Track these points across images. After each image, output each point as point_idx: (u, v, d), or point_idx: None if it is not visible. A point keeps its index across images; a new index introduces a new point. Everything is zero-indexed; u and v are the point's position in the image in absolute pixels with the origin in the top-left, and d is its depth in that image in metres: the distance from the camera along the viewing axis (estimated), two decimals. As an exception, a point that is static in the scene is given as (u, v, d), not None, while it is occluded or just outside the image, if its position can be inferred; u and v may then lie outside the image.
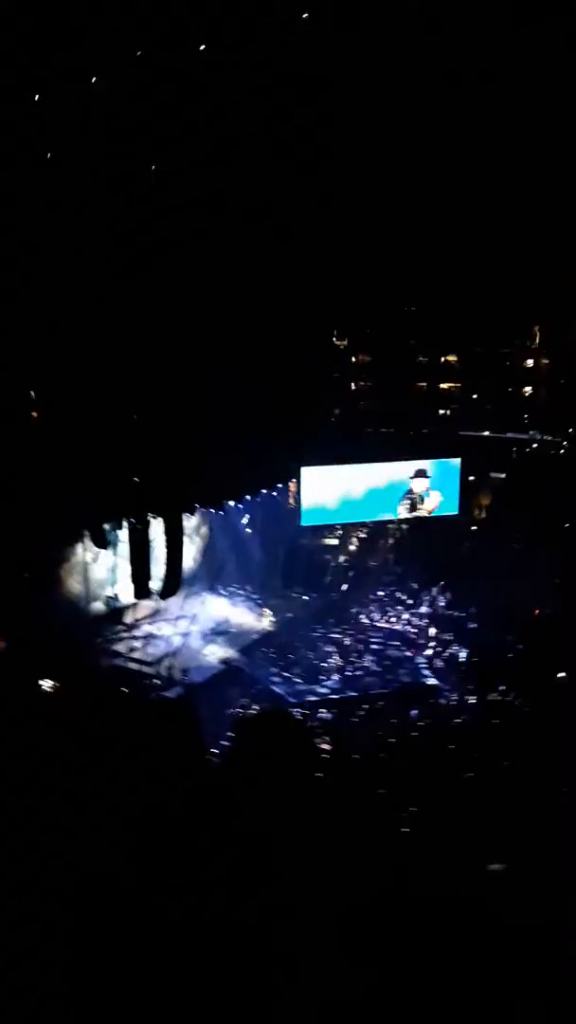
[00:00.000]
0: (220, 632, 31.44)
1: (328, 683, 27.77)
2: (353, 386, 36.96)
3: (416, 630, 32.16)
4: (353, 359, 36.69)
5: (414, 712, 24.57)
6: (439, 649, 30.26)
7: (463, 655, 29.27)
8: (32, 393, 23.40)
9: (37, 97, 16.89)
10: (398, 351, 36.14)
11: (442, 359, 37.43)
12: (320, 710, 25.27)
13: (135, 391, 24.08)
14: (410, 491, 34.22)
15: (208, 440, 24.85)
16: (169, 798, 3.93)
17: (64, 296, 21.08)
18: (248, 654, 29.66)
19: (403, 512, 34.36)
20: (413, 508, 34.26)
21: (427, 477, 34.04)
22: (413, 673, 28.86)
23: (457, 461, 34.36)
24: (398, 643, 31.37)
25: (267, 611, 32.67)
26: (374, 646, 30.72)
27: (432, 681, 28.00)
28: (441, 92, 22.78)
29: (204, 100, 19.46)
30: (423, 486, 34.20)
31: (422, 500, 34.22)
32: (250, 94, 19.89)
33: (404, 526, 35.88)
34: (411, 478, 34.05)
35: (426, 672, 28.83)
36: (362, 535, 37.35)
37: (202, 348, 24.58)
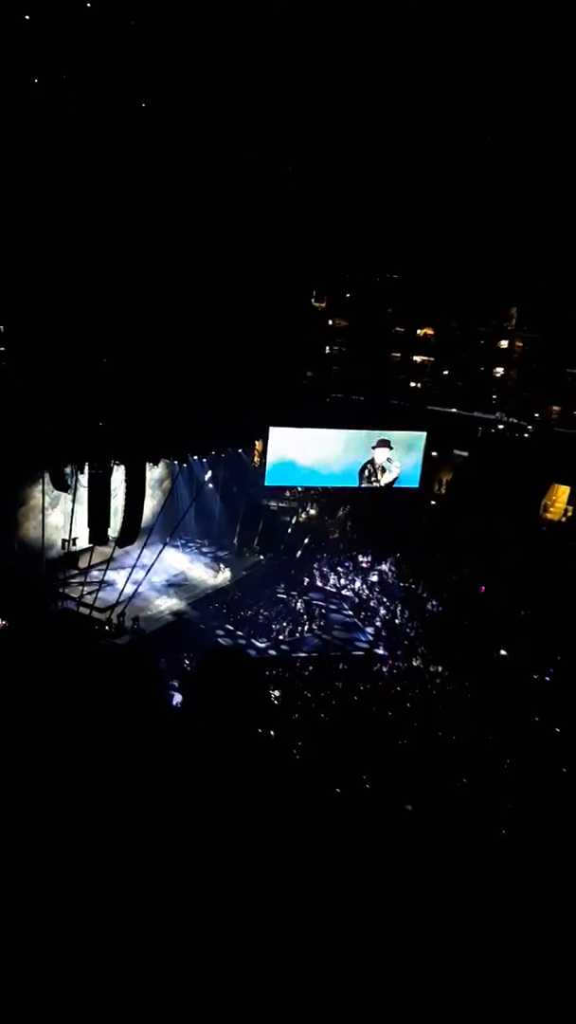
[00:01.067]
0: (174, 584, 31.37)
1: (277, 643, 27.96)
2: (327, 350, 37.00)
3: (365, 598, 32.41)
4: (330, 322, 36.66)
5: (351, 675, 24.95)
6: (386, 618, 30.55)
7: (408, 626, 29.57)
8: (0, 328, 23.03)
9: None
10: (375, 319, 36.06)
11: (418, 331, 37.38)
12: (267, 669, 25.11)
13: (107, 335, 23.97)
14: (372, 461, 34.33)
15: (177, 392, 24.81)
16: (113, 749, 3.91)
17: (42, 235, 20.52)
18: (200, 608, 29.62)
19: (363, 481, 34.51)
20: (373, 478, 34.49)
21: (390, 448, 34.10)
22: (359, 639, 29.19)
23: (422, 435, 34.52)
24: (348, 609, 31.71)
25: (223, 567, 32.63)
26: (323, 610, 31.01)
27: (378, 649, 28.25)
28: (436, 70, 23.01)
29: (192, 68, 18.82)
30: (384, 456, 34.29)
31: (383, 471, 34.37)
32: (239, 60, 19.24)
33: (364, 495, 35.91)
34: (373, 447, 34.11)
35: (371, 639, 29.10)
36: (322, 500, 37.44)
37: (179, 300, 24.28)
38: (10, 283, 20.18)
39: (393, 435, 33.41)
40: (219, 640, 26.64)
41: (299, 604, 30.65)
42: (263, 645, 27.31)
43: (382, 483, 33.82)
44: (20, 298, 20.79)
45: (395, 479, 33.73)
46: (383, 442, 33.50)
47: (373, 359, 35.57)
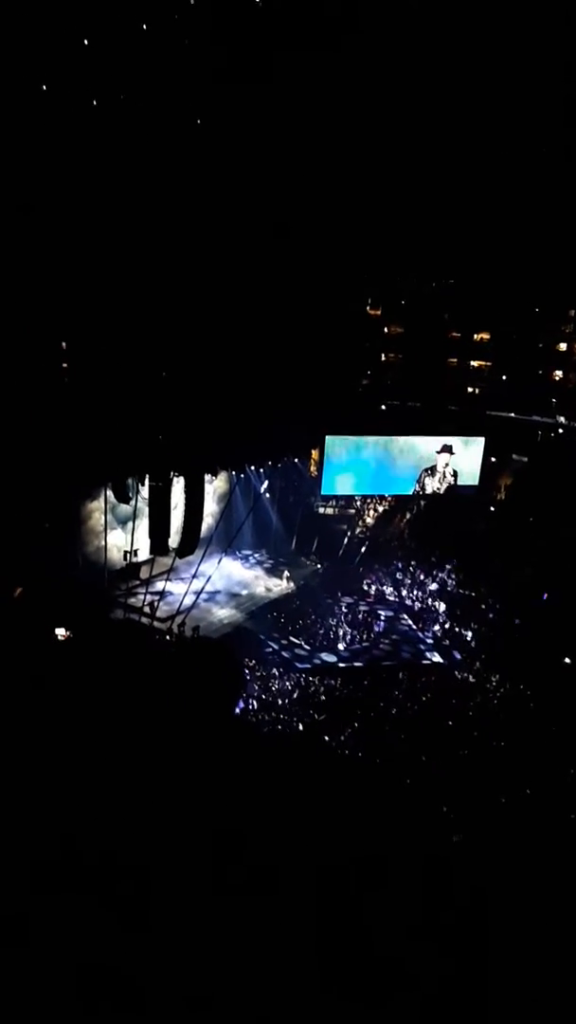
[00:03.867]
0: (233, 594, 31.54)
1: (335, 652, 27.91)
2: (383, 357, 36.58)
3: (425, 606, 32.18)
4: (385, 330, 36.30)
5: (415, 686, 24.85)
6: (446, 626, 30.26)
7: (469, 634, 29.19)
8: (63, 344, 23.57)
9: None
10: (431, 325, 35.82)
11: (475, 336, 36.97)
12: (326, 678, 25.33)
13: (166, 348, 24.25)
14: (432, 467, 34.05)
15: (235, 403, 24.95)
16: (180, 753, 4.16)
17: (102, 251, 21.08)
18: (258, 618, 29.72)
19: (423, 487, 34.35)
20: (433, 484, 34.18)
21: (451, 453, 33.90)
22: (419, 649, 28.95)
23: (481, 440, 34.14)
24: (407, 618, 31.47)
25: (285, 575, 32.78)
26: (383, 619, 30.84)
27: (436, 658, 28.01)
28: (491, 74, 22.77)
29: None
30: (445, 461, 33.99)
31: (444, 477, 34.13)
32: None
33: (422, 502, 35.81)
34: (437, 452, 33.86)
35: (432, 648, 28.89)
36: (380, 508, 37.39)
37: (239, 312, 24.42)
38: (72, 298, 20.38)
39: (454, 441, 33.50)
40: (280, 651, 26.79)
41: (358, 613, 30.57)
42: (323, 655, 27.32)
43: (441, 489, 33.73)
44: (82, 313, 21.07)
45: (455, 485, 33.84)
46: (446, 448, 33.54)
47: (429, 365, 35.35)
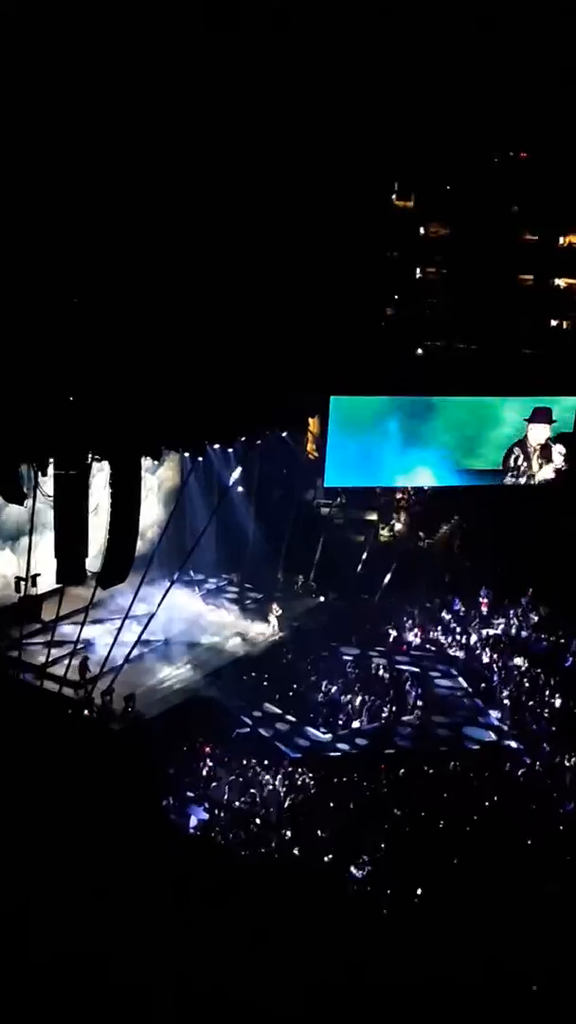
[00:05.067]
0: (189, 644, 31.78)
1: (347, 733, 28.23)
2: (419, 273, 36.64)
3: (489, 660, 32.40)
4: (421, 231, 36.48)
5: (466, 780, 25.18)
6: (522, 691, 30.50)
7: (558, 702, 29.64)
8: None
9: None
10: (491, 222, 36.09)
11: (560, 240, 37.30)
12: (334, 774, 25.56)
13: (78, 256, 24.49)
14: (523, 442, 34.31)
15: (187, 345, 25.14)
16: None
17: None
18: (228, 681, 29.98)
19: (509, 475, 35.12)
20: (524, 469, 34.72)
21: (550, 421, 34.33)
22: (479, 727, 29.22)
23: (572, 403, 34.54)
24: (459, 677, 31.73)
25: (274, 613, 33.20)
26: (420, 680, 31.17)
27: (509, 742, 28.36)
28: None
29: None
30: (544, 434, 34.23)
31: (543, 459, 34.80)
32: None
33: (481, 500, 36.23)
34: (528, 421, 34.19)
35: (499, 726, 29.16)
36: (416, 508, 37.00)
37: (188, 198, 25.50)
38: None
39: (548, 405, 34.20)
40: (261, 733, 27.42)
41: (382, 670, 30.88)
42: (327, 737, 27.60)
43: (537, 478, 34.36)
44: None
45: (559, 471, 34.51)
46: (542, 412, 33.76)
47: (490, 285, 35.61)
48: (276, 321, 28.04)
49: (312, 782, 24.72)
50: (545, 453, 34.18)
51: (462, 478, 34.63)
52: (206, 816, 22.69)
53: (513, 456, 34.32)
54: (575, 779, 25.61)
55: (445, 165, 34.78)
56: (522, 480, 34.46)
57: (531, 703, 29.63)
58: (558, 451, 33.94)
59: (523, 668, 31.33)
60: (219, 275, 26.37)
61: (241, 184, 26.69)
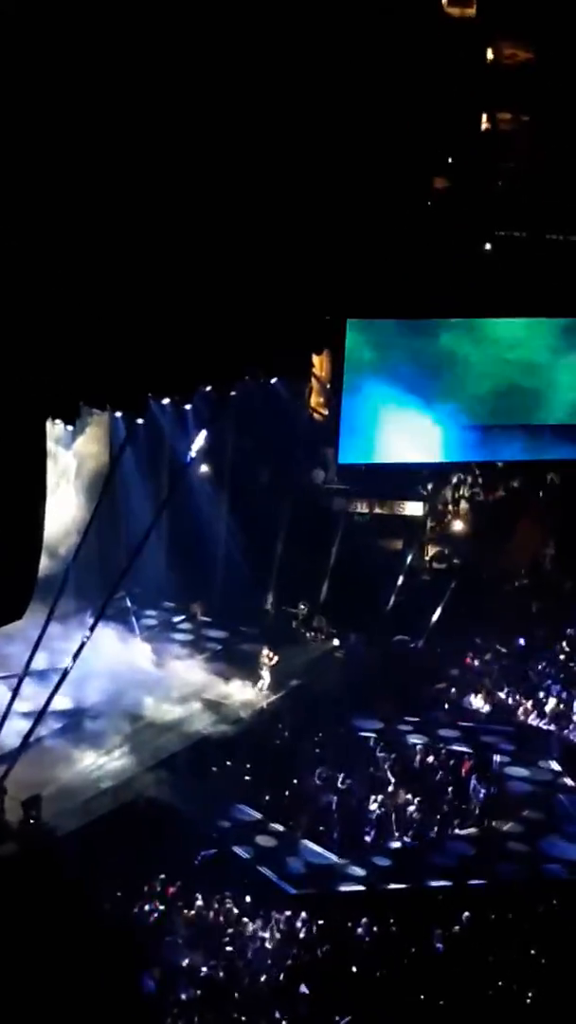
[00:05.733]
0: (125, 716, 30.07)
1: (374, 857, 26.47)
2: (485, 122, 34.56)
3: None
4: (488, 55, 34.20)
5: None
6: None
7: None
8: None
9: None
10: None
11: None
12: (353, 920, 23.48)
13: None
14: None
15: (108, 235, 24.06)
16: None
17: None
18: (186, 774, 28.38)
19: None
20: None
21: None
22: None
23: None
24: (553, 764, 30.25)
25: (265, 662, 31.19)
26: (494, 771, 29.63)
27: None
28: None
29: None
30: None
31: None
32: None
33: None
34: None
35: None
36: (479, 497, 36.60)
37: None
38: None
39: None
40: (244, 857, 25.82)
41: (429, 756, 29.52)
42: (343, 863, 25.96)
43: None
44: None
45: None
46: None
47: None
48: (257, 196, 26.52)
49: (323, 935, 23.25)
50: None
51: (542, 449, 32.96)
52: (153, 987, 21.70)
53: None
54: None
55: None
56: None
57: None
58: None
59: None
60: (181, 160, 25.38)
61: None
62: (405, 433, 32.10)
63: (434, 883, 25.59)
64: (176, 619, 34.51)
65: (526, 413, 32.66)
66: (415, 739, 30.04)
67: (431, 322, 31.34)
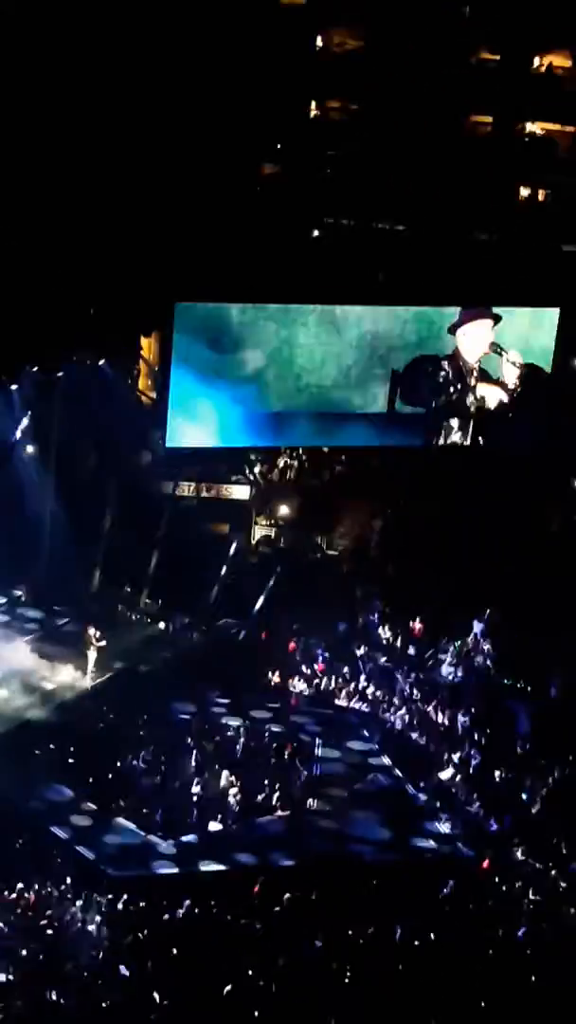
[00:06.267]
0: None
1: (200, 841, 26.65)
2: (314, 109, 34.97)
3: (423, 717, 31.24)
4: (319, 42, 34.46)
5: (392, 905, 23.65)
6: (472, 766, 29.39)
7: (528, 783, 28.41)
8: None
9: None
10: (428, 31, 33.55)
11: (535, 62, 35.45)
12: (176, 904, 23.52)
13: None
14: (452, 360, 32.88)
15: None
16: None
17: None
18: (7, 757, 27.89)
19: (434, 431, 33.24)
20: (457, 412, 33.02)
21: (495, 320, 32.50)
22: (409, 825, 27.90)
23: (550, 315, 33.32)
24: (375, 744, 30.48)
25: (90, 642, 31.00)
26: (319, 752, 29.84)
27: (453, 847, 27.19)
28: None
29: None
30: (484, 343, 32.72)
31: (486, 382, 32.82)
32: None
33: (419, 462, 34.76)
34: (455, 327, 32.62)
35: (440, 820, 27.96)
36: (312, 481, 36.91)
37: None
38: None
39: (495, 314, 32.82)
40: (62, 838, 25.79)
41: (255, 738, 29.60)
42: (167, 845, 26.04)
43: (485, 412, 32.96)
44: None
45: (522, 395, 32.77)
46: (480, 312, 32.46)
47: (425, 131, 33.25)
48: (88, 179, 27.19)
49: (145, 916, 23.26)
50: (484, 378, 32.75)
51: (359, 436, 33.45)
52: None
53: (437, 391, 32.61)
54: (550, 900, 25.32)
55: None
56: (456, 432, 32.95)
57: (484, 783, 28.81)
58: (510, 364, 32.32)
59: (465, 730, 30.36)
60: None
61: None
62: (230, 418, 32.10)
63: (248, 862, 25.57)
64: (1, 601, 34.11)
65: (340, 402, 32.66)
66: (237, 722, 30.00)
67: (255, 308, 31.36)
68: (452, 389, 32.04)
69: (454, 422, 32.42)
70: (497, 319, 32.14)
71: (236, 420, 32.21)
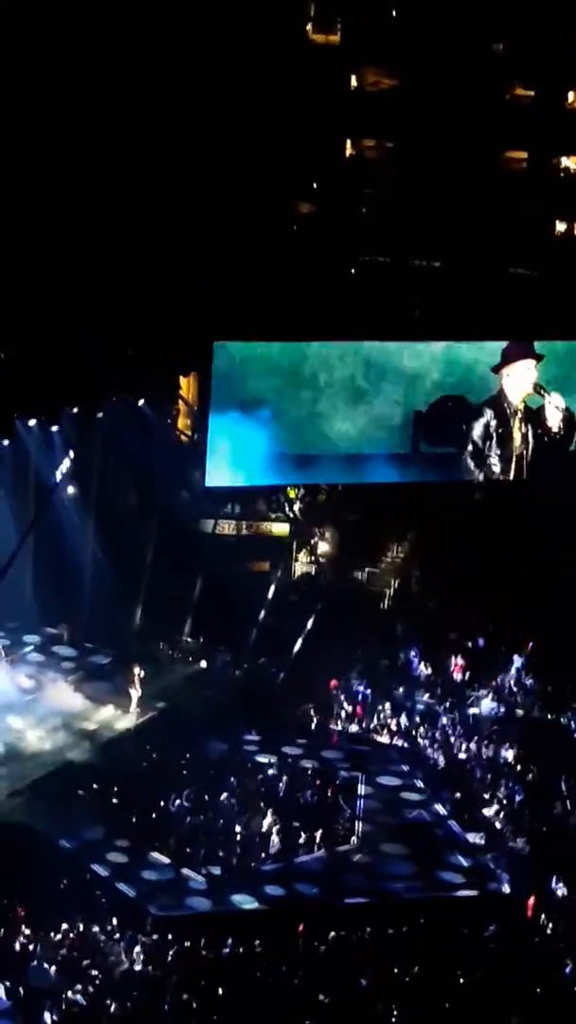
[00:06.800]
0: None
1: (245, 879, 26.31)
2: (349, 148, 35.00)
3: (465, 756, 30.98)
4: (352, 81, 34.57)
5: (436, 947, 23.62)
6: (514, 801, 29.19)
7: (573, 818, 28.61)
8: None
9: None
10: (462, 68, 33.80)
11: (568, 97, 35.52)
12: (227, 944, 23.55)
13: None
14: (498, 400, 32.62)
15: None
16: None
17: None
18: (51, 798, 27.92)
19: (479, 460, 32.94)
20: (503, 445, 32.89)
21: (537, 358, 32.17)
22: (454, 857, 27.70)
23: None
24: (418, 782, 30.28)
25: (134, 682, 30.96)
26: (368, 793, 29.54)
27: (497, 884, 26.88)
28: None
29: None
30: (529, 381, 32.43)
31: (531, 422, 32.82)
32: None
33: (467, 499, 34.64)
34: (498, 370, 32.32)
35: (483, 859, 27.71)
36: (350, 517, 36.63)
37: None
38: None
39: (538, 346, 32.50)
40: (109, 881, 25.63)
41: (305, 777, 29.49)
42: (209, 884, 25.81)
43: (528, 453, 32.57)
44: None
45: (559, 435, 32.51)
46: (518, 347, 32.11)
47: (461, 168, 33.59)
48: (126, 220, 27.65)
49: (188, 955, 23.19)
50: (532, 416, 32.37)
51: (412, 469, 32.94)
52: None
53: (483, 421, 32.21)
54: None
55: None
56: (497, 467, 32.58)
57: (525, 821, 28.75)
58: (554, 407, 31.94)
59: (518, 765, 30.25)
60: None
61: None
62: (269, 457, 31.94)
63: (291, 900, 25.50)
64: (43, 641, 33.87)
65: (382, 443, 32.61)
66: (278, 760, 29.85)
67: (295, 346, 31.20)
68: (497, 428, 31.90)
69: (496, 460, 32.20)
70: (540, 358, 31.87)
71: (274, 459, 31.98)
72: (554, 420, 31.94)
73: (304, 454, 32.18)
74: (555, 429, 31.98)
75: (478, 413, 32.13)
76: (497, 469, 32.51)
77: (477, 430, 32.14)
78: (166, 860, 26.29)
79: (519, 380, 32.03)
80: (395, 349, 31.98)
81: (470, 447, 32.37)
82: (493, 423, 32.22)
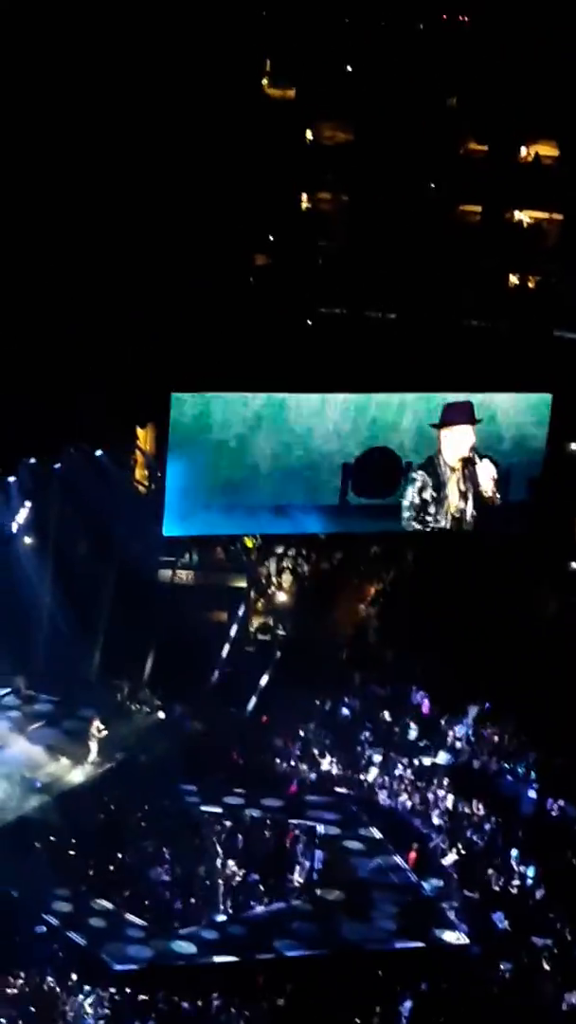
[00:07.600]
0: None
1: (208, 927, 26.53)
2: (305, 201, 35.40)
3: (422, 805, 31.08)
4: (308, 135, 35.12)
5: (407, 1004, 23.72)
6: (466, 850, 29.25)
7: (528, 870, 28.38)
8: None
9: None
10: (416, 123, 34.18)
11: (522, 152, 36.24)
12: (180, 997, 23.54)
13: None
14: (432, 462, 32.96)
15: None
16: None
17: None
18: (7, 854, 27.43)
19: (416, 513, 33.30)
20: (436, 505, 33.27)
21: (474, 424, 32.76)
22: (414, 908, 27.72)
23: (542, 400, 33.41)
24: (375, 832, 30.41)
25: (93, 733, 30.96)
26: (322, 840, 29.64)
27: (452, 935, 27.02)
28: None
29: None
30: (466, 446, 32.95)
31: (465, 484, 33.05)
32: None
33: (412, 548, 35.46)
34: (437, 427, 32.88)
35: (442, 910, 27.78)
36: (303, 567, 36.78)
37: None
38: None
39: (477, 399, 32.68)
40: (63, 932, 25.61)
41: (264, 828, 29.41)
42: (169, 936, 25.95)
43: (467, 512, 33.01)
44: None
45: (492, 497, 32.98)
46: (458, 409, 32.44)
47: (414, 221, 33.86)
48: (81, 272, 27.77)
49: (148, 1008, 23.10)
50: (470, 474, 32.71)
51: (352, 523, 33.50)
52: None
53: (419, 486, 32.73)
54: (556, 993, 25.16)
55: (343, 32, 34.07)
56: (433, 520, 33.04)
57: (492, 871, 28.68)
58: (486, 472, 32.59)
59: (478, 815, 30.27)
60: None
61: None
62: (226, 506, 31.97)
63: (262, 955, 25.46)
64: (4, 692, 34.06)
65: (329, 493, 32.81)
66: (238, 810, 29.79)
67: (250, 397, 31.28)
68: (434, 486, 32.25)
69: (435, 517, 32.52)
70: (473, 421, 32.12)
71: (233, 509, 31.97)
72: (487, 485, 32.45)
73: (255, 504, 32.11)
74: (488, 493, 32.43)
75: (417, 468, 32.28)
76: (440, 524, 32.70)
77: (415, 485, 32.35)
78: (126, 914, 26.04)
79: (456, 443, 32.28)
80: (350, 402, 32.06)
81: (407, 502, 32.50)
82: (430, 480, 32.41)
